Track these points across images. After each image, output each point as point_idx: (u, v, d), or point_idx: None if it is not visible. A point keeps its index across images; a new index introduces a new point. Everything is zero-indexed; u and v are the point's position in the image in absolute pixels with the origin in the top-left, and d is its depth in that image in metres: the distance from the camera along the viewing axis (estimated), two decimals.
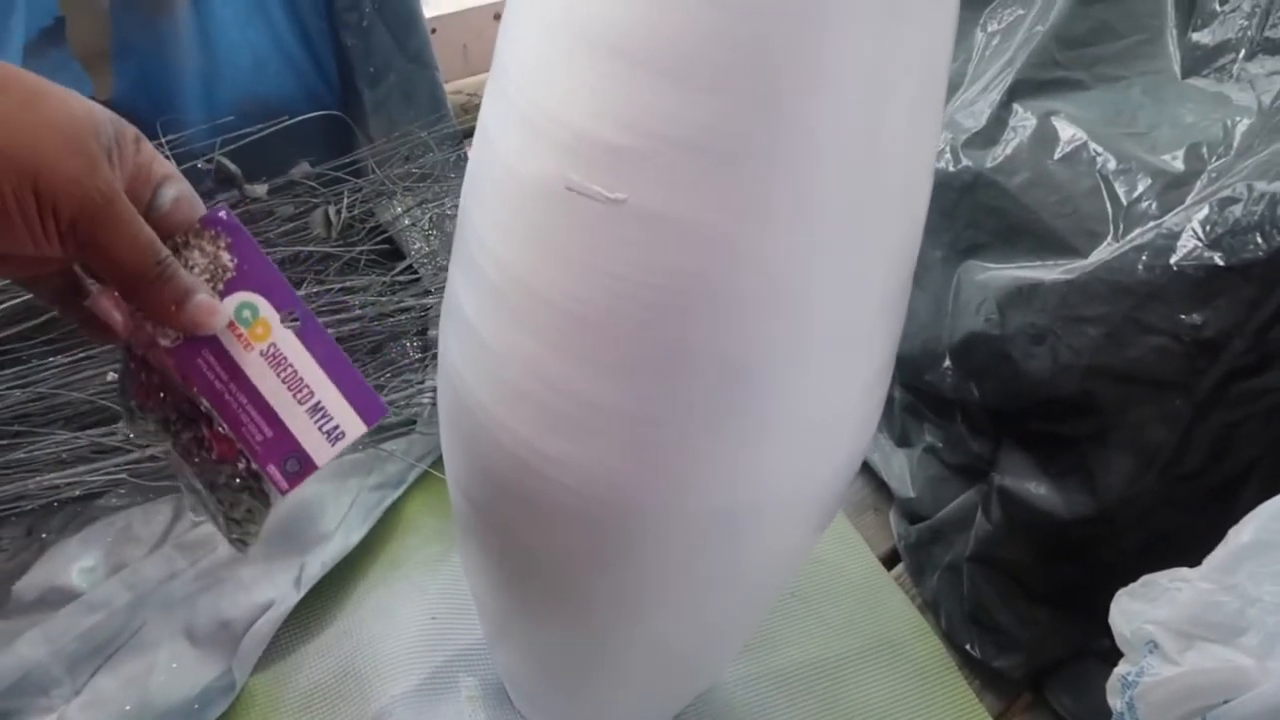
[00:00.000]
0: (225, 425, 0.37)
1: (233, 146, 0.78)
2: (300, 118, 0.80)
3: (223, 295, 0.37)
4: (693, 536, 0.43)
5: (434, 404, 0.78)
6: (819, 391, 0.39)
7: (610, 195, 0.34)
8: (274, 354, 0.37)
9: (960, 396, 0.67)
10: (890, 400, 0.79)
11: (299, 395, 0.37)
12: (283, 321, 0.37)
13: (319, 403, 0.37)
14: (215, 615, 0.65)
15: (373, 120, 0.87)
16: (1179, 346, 0.54)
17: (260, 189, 0.78)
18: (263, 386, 0.37)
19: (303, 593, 0.66)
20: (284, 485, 0.38)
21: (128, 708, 0.60)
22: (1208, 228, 0.53)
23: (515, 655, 0.60)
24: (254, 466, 0.38)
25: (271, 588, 0.66)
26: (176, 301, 0.35)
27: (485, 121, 0.39)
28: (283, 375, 0.37)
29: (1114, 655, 0.59)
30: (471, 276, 0.41)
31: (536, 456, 0.41)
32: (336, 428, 0.38)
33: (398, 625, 0.67)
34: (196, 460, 0.39)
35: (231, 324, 0.37)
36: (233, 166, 0.77)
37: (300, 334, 0.37)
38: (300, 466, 0.38)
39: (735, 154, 0.33)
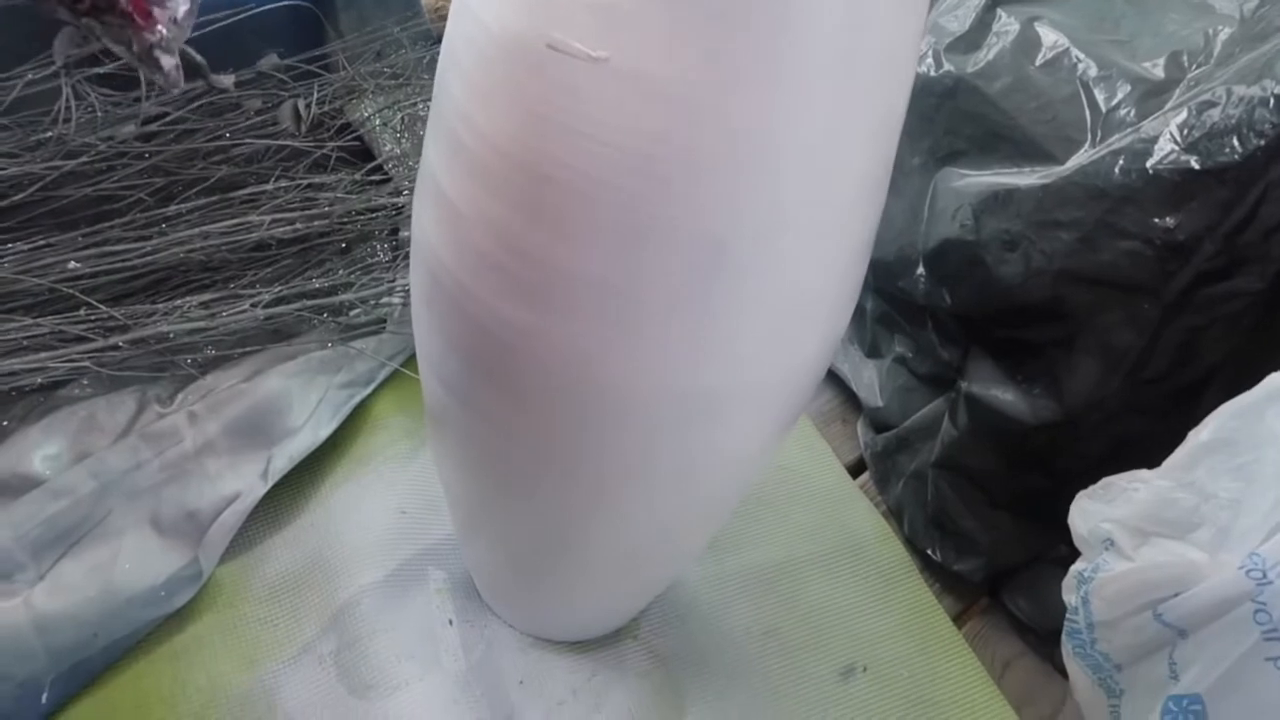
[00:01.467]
0: None
1: (197, 34, 0.75)
2: (267, 6, 0.78)
3: None
4: (663, 416, 0.43)
5: (405, 304, 0.77)
6: (796, 269, 0.39)
7: (593, 54, 0.33)
8: None
9: (932, 303, 0.68)
10: (862, 310, 0.79)
11: None
12: None
13: None
14: (181, 506, 0.64)
15: (343, 15, 0.85)
16: (1150, 250, 0.54)
17: (227, 80, 0.76)
18: None
19: (269, 484, 0.65)
20: None
21: (92, 594, 0.60)
22: (1185, 131, 0.53)
23: (483, 547, 0.61)
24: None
25: (238, 479, 0.66)
26: None
27: None
28: None
29: (1070, 560, 0.61)
30: (446, 142, 0.40)
31: (506, 328, 0.41)
32: None
33: (366, 519, 0.67)
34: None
35: None
36: (197, 56, 0.75)
37: None
38: None
39: (722, 13, 0.32)
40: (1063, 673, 0.68)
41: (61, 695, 0.57)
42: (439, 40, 1.05)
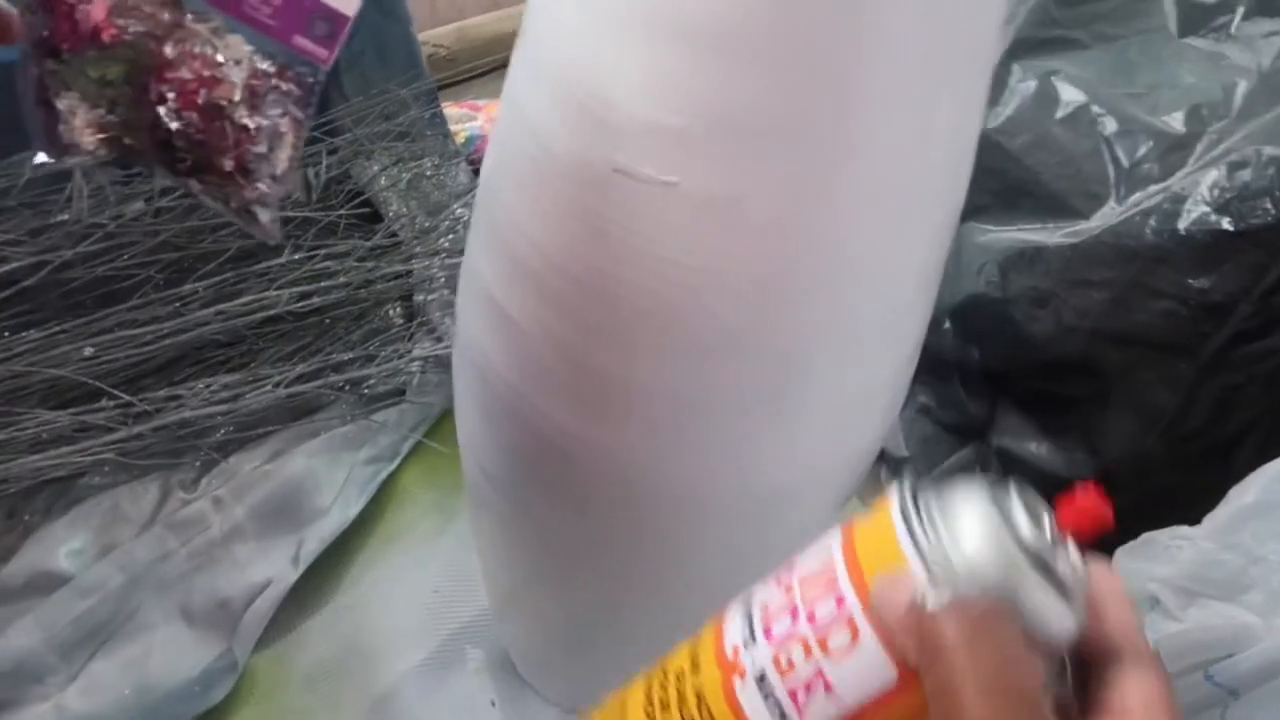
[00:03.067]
0: (218, 15, 0.32)
1: None
2: None
3: None
4: (724, 519, 0.43)
5: (423, 372, 0.77)
6: (859, 372, 0.39)
7: (662, 178, 0.33)
8: None
9: (959, 358, 0.68)
10: None
11: None
12: None
13: None
14: (212, 595, 0.63)
15: (346, 78, 0.84)
16: (1185, 310, 0.55)
17: None
18: None
19: (301, 569, 0.64)
20: (322, 53, 0.32)
21: (127, 692, 0.59)
22: (1216, 192, 0.53)
23: (524, 626, 0.60)
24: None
25: (268, 566, 0.65)
26: None
27: (518, 99, 0.37)
28: None
29: None
30: (499, 256, 0.39)
31: (567, 439, 0.40)
32: None
33: (400, 600, 0.66)
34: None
35: None
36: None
37: None
38: (330, 26, 0.32)
39: (791, 132, 0.32)
40: None
41: None
42: (441, 86, 1.04)
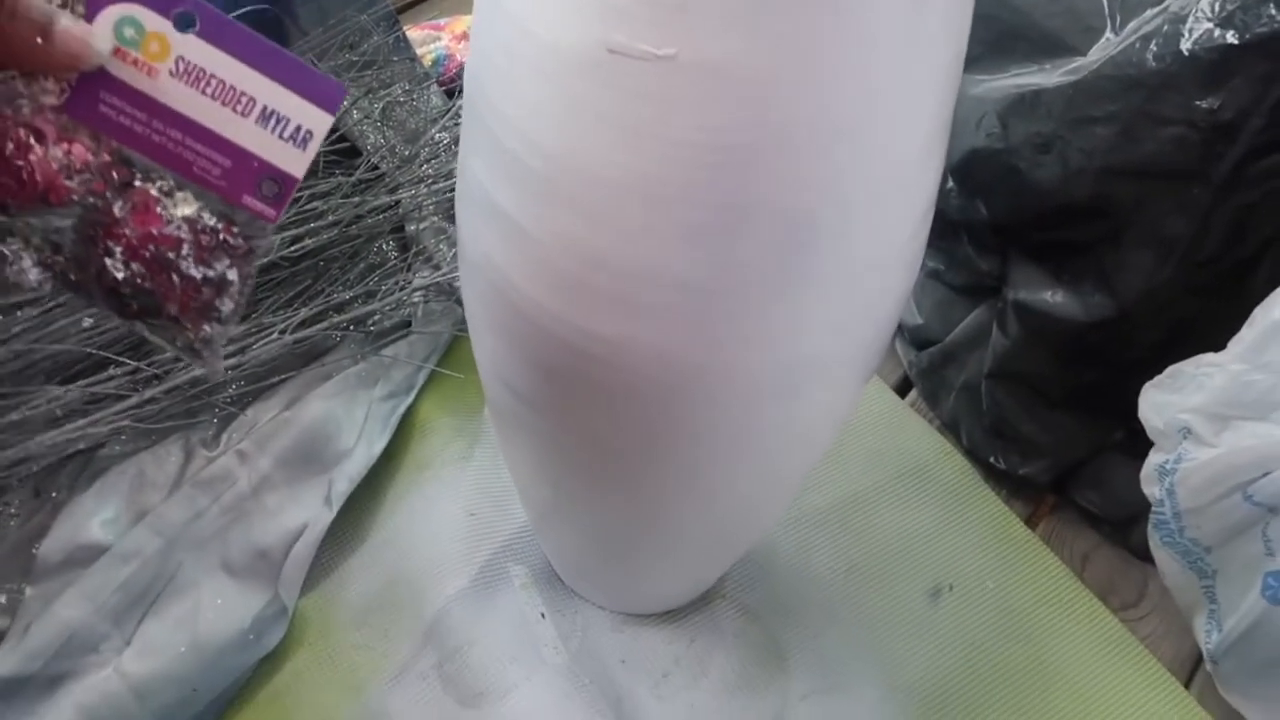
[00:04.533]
0: (169, 174, 0.32)
1: None
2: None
3: (88, 18, 0.30)
4: (750, 400, 0.42)
5: (426, 301, 0.76)
6: (874, 236, 0.38)
7: (658, 52, 0.31)
8: (187, 70, 0.31)
9: (966, 216, 0.67)
10: None
11: (240, 107, 0.32)
12: (178, 28, 0.31)
13: (265, 108, 0.32)
14: (250, 546, 0.63)
15: (302, 11, 0.81)
16: (1196, 134, 0.53)
17: None
18: (194, 113, 0.31)
19: (335, 510, 0.64)
20: (270, 212, 0.33)
21: (183, 649, 0.59)
22: (1217, 6, 0.51)
23: (564, 538, 0.60)
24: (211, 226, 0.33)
25: (301, 510, 0.65)
26: (41, 33, 0.29)
27: None
28: (210, 91, 0.31)
29: (1132, 446, 0.61)
30: (496, 160, 0.38)
31: (589, 340, 0.40)
32: (299, 129, 0.32)
33: (437, 527, 0.66)
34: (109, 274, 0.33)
35: (117, 50, 0.31)
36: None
37: (206, 35, 0.31)
38: (279, 187, 0.33)
39: None
40: (1140, 557, 0.69)
41: None
42: (401, 12, 1.00)
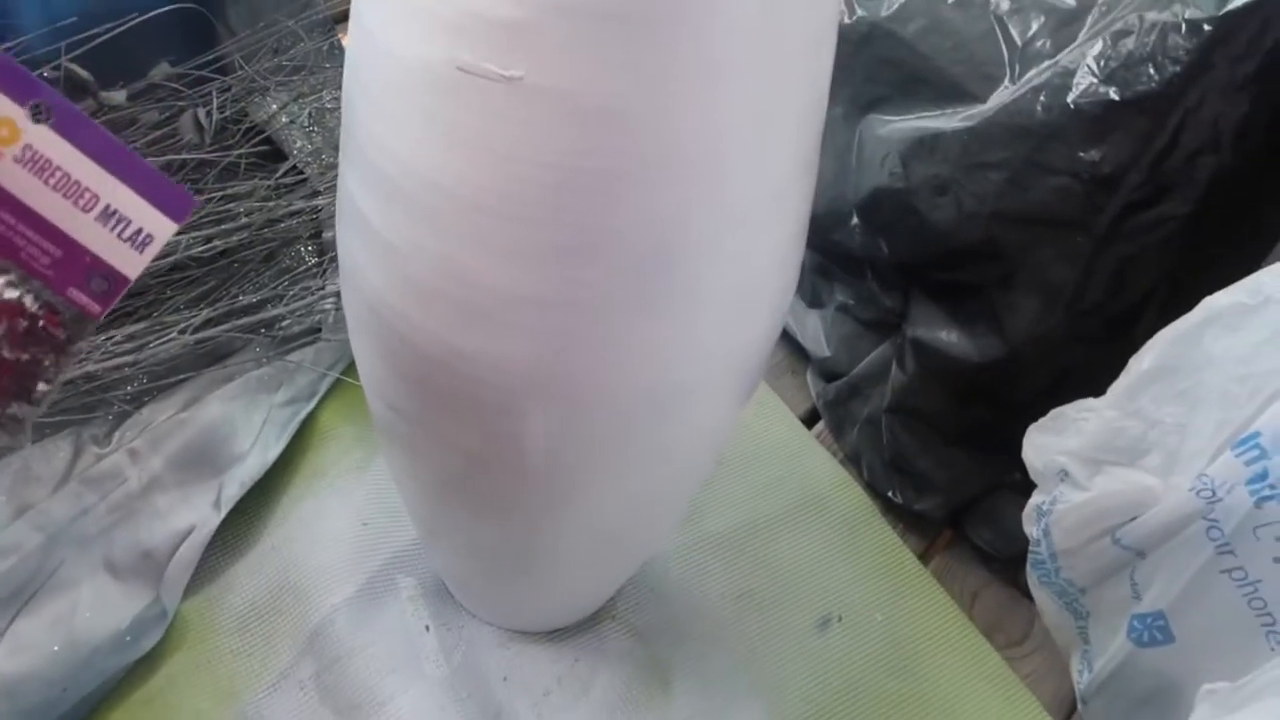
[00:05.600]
0: None
1: (80, 51, 0.71)
2: (152, 13, 0.74)
3: None
4: (618, 420, 0.43)
5: (337, 309, 0.75)
6: (736, 262, 0.39)
7: (505, 73, 0.32)
8: (32, 158, 0.31)
9: (869, 253, 0.68)
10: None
11: (81, 202, 0.32)
12: (32, 118, 0.31)
13: (109, 207, 0.32)
14: (135, 546, 0.63)
15: (232, 11, 0.81)
16: (1078, 185, 0.55)
17: (118, 95, 0.72)
18: (32, 200, 0.31)
19: (223, 513, 0.64)
20: (95, 308, 0.33)
21: (56, 648, 0.58)
22: (1102, 62, 0.53)
23: (450, 553, 0.60)
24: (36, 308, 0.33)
25: (190, 512, 0.64)
26: None
27: (361, 11, 0.36)
28: (52, 182, 0.32)
29: (1026, 486, 0.62)
30: (365, 175, 0.38)
31: (453, 355, 0.40)
32: (140, 231, 0.32)
33: (328, 535, 0.66)
34: None
35: None
36: (83, 73, 0.71)
37: (59, 129, 0.31)
38: (109, 284, 0.33)
39: (633, 18, 0.31)
40: (1029, 596, 0.70)
41: None
42: (338, 20, 1.01)
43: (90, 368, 0.65)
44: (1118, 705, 0.58)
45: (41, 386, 0.33)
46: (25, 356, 0.33)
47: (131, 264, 0.33)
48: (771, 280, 0.42)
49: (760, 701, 0.63)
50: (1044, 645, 0.68)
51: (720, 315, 0.40)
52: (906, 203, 0.62)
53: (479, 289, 0.37)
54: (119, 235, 0.32)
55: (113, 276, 0.33)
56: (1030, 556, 0.60)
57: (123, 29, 0.72)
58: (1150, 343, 0.53)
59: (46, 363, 0.33)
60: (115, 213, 0.32)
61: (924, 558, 0.72)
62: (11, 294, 0.32)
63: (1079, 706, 0.61)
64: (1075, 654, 0.62)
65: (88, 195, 0.32)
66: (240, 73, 0.80)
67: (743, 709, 0.63)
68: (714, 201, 0.36)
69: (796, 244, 0.43)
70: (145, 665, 0.60)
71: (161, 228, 0.33)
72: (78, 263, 0.32)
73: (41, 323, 0.33)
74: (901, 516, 0.74)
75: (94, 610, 0.60)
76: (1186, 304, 0.52)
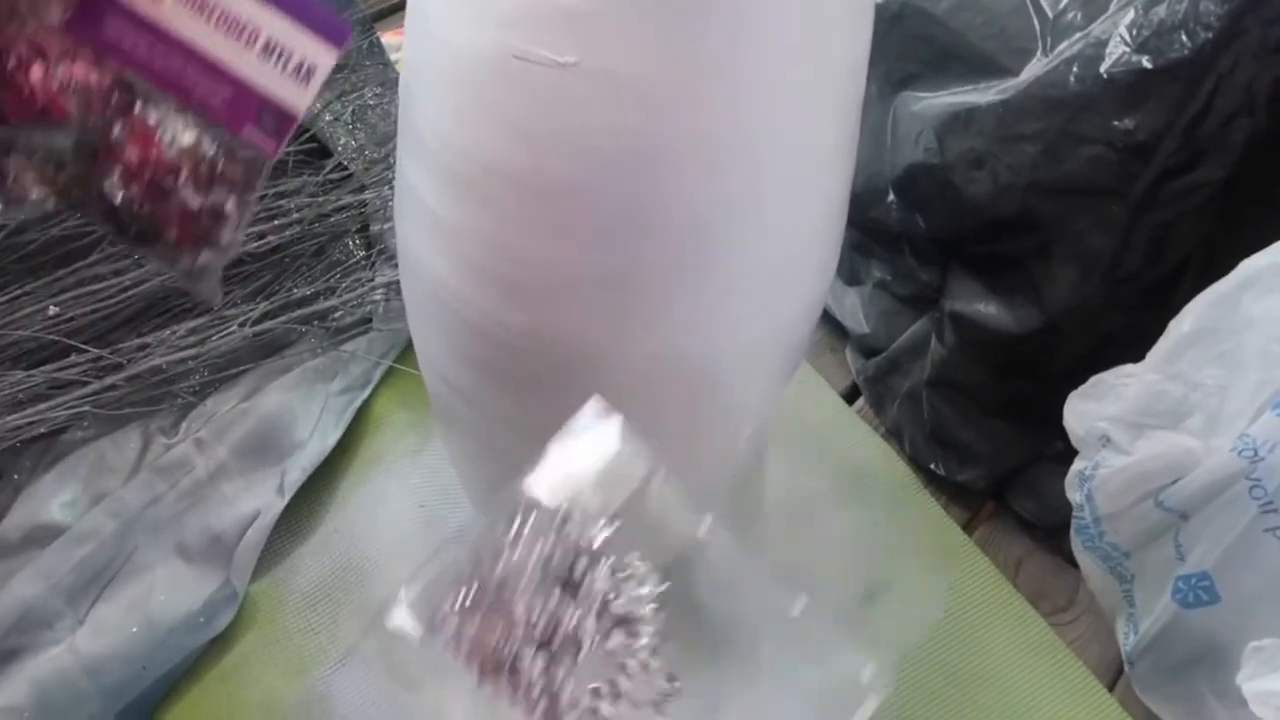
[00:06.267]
0: (170, 101, 0.32)
1: None
2: None
3: None
4: (668, 389, 0.44)
5: (387, 299, 0.78)
6: (778, 239, 0.40)
7: (560, 59, 0.33)
8: None
9: (906, 228, 0.69)
10: None
11: (243, 38, 0.32)
12: None
13: (269, 41, 0.32)
14: (204, 531, 0.65)
15: None
16: (1113, 154, 0.55)
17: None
18: (196, 40, 0.31)
19: (287, 498, 0.67)
20: (269, 145, 0.33)
21: (134, 630, 0.61)
22: (1134, 31, 0.54)
23: None
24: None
25: (254, 498, 0.67)
26: None
27: (417, 2, 0.38)
28: (214, 20, 0.31)
29: (1068, 456, 0.63)
30: (423, 159, 0.40)
31: (506, 330, 0.42)
32: (302, 63, 0.32)
33: (387, 517, 0.68)
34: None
35: None
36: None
37: None
38: (278, 121, 0.32)
39: (682, 4, 0.32)
40: (1072, 563, 0.71)
41: None
42: (377, 18, 1.03)
43: (155, 361, 0.68)
44: (1164, 666, 0.59)
45: (226, 233, 0.34)
46: (208, 202, 0.33)
47: (297, 98, 0.32)
48: (812, 258, 0.43)
49: (811, 673, 0.64)
50: (1089, 611, 0.69)
51: (762, 292, 0.42)
52: (942, 177, 0.63)
53: (534, 267, 0.39)
54: (282, 69, 0.32)
55: (280, 113, 0.32)
56: (1074, 522, 0.61)
57: None
58: (1189, 306, 0.54)
59: (228, 207, 0.33)
60: (277, 46, 0.32)
61: (968, 528, 0.73)
62: (190, 137, 0.32)
63: (1126, 669, 0.62)
64: (1121, 618, 0.62)
65: (248, 30, 0.32)
66: None
67: (794, 681, 0.64)
68: (757, 180, 0.37)
69: (837, 222, 0.44)
70: (219, 644, 0.63)
71: (322, 57, 0.32)
72: (248, 100, 0.32)
73: (220, 167, 0.33)
74: (944, 488, 0.75)
75: (168, 593, 0.63)
76: (1224, 268, 0.53)
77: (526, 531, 0.33)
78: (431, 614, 0.32)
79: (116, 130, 0.32)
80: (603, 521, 0.33)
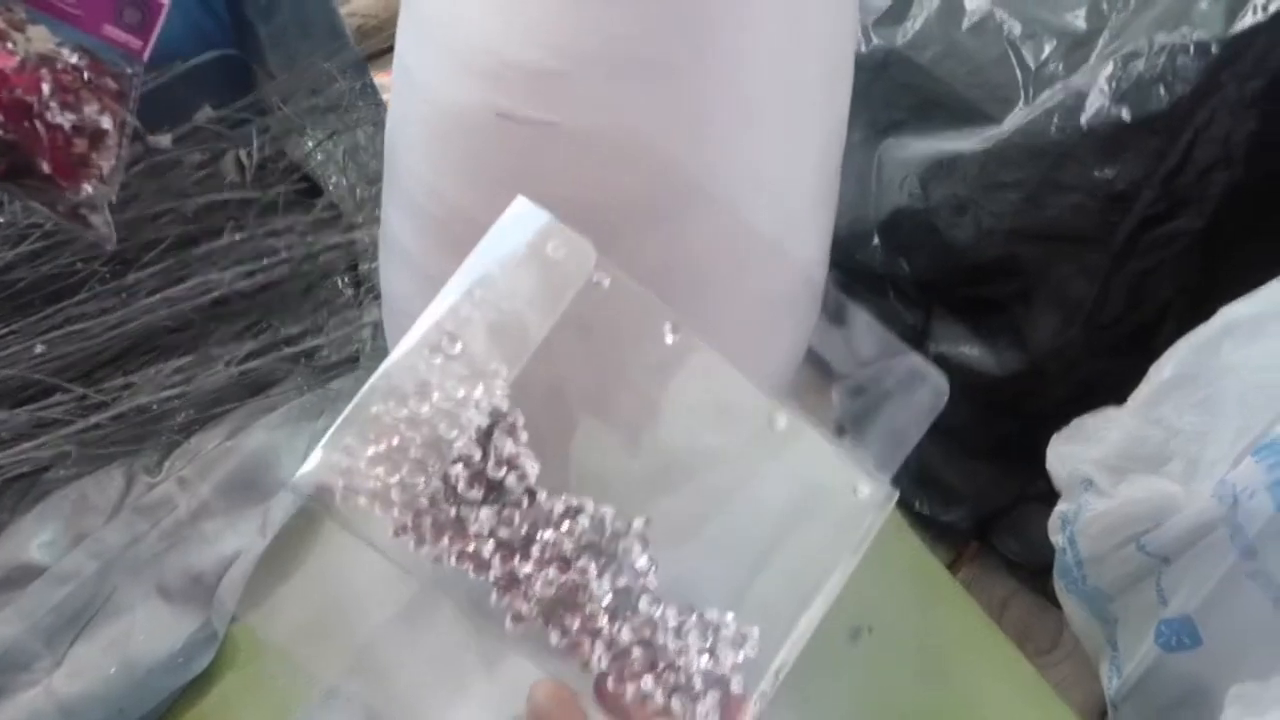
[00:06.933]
0: (17, 5, 0.29)
1: None
2: (194, 61, 0.77)
3: None
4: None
5: (375, 338, 0.78)
6: (762, 288, 0.41)
7: (544, 118, 0.34)
8: None
9: (890, 271, 0.70)
10: None
11: None
12: None
13: None
14: (185, 571, 0.65)
15: (270, 55, 0.84)
16: (1093, 202, 0.56)
17: (164, 140, 0.75)
18: None
19: (269, 538, 0.66)
20: (135, 42, 0.30)
21: (112, 670, 0.60)
22: (1113, 84, 0.55)
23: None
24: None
25: (236, 538, 0.66)
26: None
27: (403, 56, 0.38)
28: None
29: (1051, 497, 0.64)
30: (409, 212, 0.41)
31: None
32: None
33: (370, 556, 0.67)
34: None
35: None
36: (132, 119, 0.74)
37: None
38: (143, 13, 0.30)
39: (663, 66, 0.33)
40: (1056, 605, 0.71)
41: None
42: (370, 58, 1.04)
43: (141, 400, 0.68)
44: (1148, 709, 0.59)
45: (106, 159, 0.31)
46: (78, 119, 0.30)
47: None
48: (796, 304, 0.44)
49: (794, 714, 0.64)
50: (1073, 653, 0.69)
51: (747, 341, 0.42)
52: (927, 222, 0.64)
53: None
54: None
55: (144, 4, 0.30)
56: (1057, 564, 0.61)
57: (168, 77, 0.76)
58: (1170, 352, 0.55)
59: (104, 125, 0.31)
60: None
61: (953, 567, 0.73)
62: (44, 44, 0.30)
63: (1110, 712, 0.62)
64: (1104, 660, 0.63)
65: None
66: (278, 113, 0.83)
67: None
68: (741, 233, 0.38)
69: (819, 268, 0.45)
70: (198, 685, 0.62)
71: None
72: None
73: (87, 74, 0.30)
74: (929, 527, 0.75)
75: (148, 633, 0.62)
76: (1204, 315, 0.54)
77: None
78: (349, 466, 0.30)
79: None
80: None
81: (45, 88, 0.30)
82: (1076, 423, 0.59)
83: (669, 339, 0.31)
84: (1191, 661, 0.55)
